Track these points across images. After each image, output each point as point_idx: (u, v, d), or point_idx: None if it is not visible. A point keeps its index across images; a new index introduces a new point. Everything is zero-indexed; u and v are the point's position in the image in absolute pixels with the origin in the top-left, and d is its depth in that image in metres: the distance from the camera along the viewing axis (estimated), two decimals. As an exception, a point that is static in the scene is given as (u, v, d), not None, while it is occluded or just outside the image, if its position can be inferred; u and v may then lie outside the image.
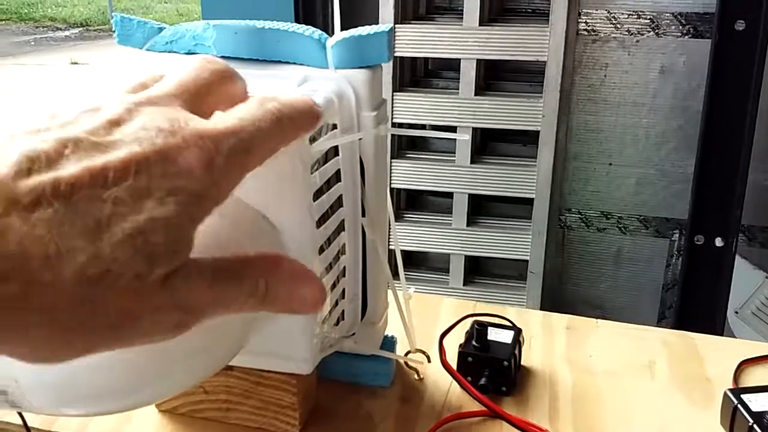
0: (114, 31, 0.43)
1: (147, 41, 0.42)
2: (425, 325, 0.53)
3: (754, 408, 0.42)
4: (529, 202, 1.38)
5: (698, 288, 1.29)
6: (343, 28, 0.41)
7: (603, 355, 0.53)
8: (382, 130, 0.42)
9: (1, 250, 0.20)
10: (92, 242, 0.21)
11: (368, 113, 0.40)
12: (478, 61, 1.33)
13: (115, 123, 0.23)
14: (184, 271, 0.23)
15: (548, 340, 0.55)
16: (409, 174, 1.41)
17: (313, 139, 0.36)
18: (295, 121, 0.28)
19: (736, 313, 1.37)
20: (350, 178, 0.41)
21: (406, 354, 0.49)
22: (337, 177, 0.40)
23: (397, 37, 1.32)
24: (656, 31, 1.32)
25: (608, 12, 1.33)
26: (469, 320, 0.52)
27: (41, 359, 0.22)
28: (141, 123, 0.23)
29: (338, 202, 0.40)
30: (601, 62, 1.35)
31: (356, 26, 0.40)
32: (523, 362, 0.51)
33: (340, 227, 0.41)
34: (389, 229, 0.47)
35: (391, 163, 1.39)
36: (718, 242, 1.26)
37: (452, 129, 1.37)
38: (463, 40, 1.31)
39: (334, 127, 0.39)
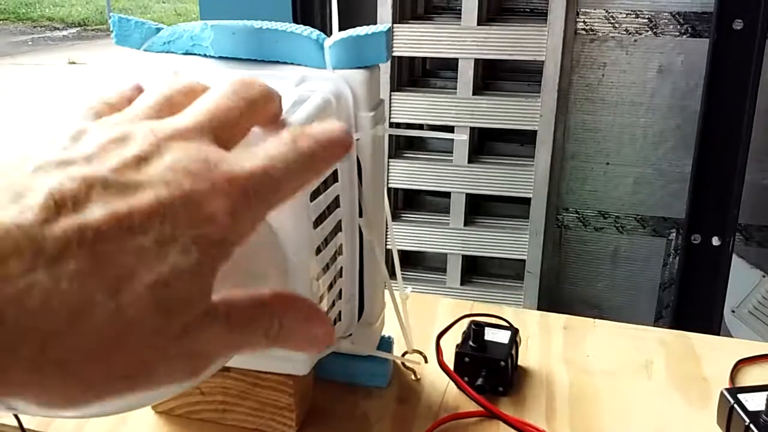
0: (111, 32, 0.43)
1: (144, 41, 0.42)
2: (422, 326, 0.54)
3: (751, 407, 0.43)
4: (527, 201, 1.38)
5: (695, 287, 1.30)
6: (341, 28, 0.41)
7: (600, 355, 0.53)
8: (379, 130, 0.42)
9: (25, 310, 0.19)
10: (113, 296, 0.20)
11: (366, 113, 0.40)
12: (476, 60, 1.33)
13: (144, 160, 0.22)
14: (202, 319, 0.23)
15: (545, 340, 0.55)
16: (406, 173, 1.41)
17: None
18: (328, 155, 0.27)
19: (733, 312, 1.37)
20: (347, 179, 0.41)
21: (403, 354, 0.49)
22: (334, 177, 0.40)
23: (395, 37, 1.32)
24: (654, 30, 1.32)
25: (606, 11, 1.33)
26: (466, 320, 0.52)
27: (53, 407, 0.21)
28: (170, 162, 0.23)
29: (335, 203, 0.40)
30: (599, 62, 1.36)
31: (354, 26, 0.40)
32: (520, 362, 0.51)
33: (337, 228, 0.41)
34: (386, 229, 0.47)
35: (388, 162, 1.39)
36: (715, 241, 1.27)
37: (450, 129, 1.37)
38: (461, 39, 1.31)
39: (331, 127, 0.39)
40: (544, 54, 1.29)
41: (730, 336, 1.33)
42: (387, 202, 0.46)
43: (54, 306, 0.19)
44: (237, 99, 0.26)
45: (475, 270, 1.52)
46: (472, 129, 1.38)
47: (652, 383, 0.50)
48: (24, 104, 5.14)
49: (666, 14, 1.31)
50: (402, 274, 0.49)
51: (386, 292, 0.47)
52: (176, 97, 0.26)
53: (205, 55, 0.41)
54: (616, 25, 1.33)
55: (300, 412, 0.44)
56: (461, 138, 1.34)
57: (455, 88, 1.35)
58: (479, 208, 1.50)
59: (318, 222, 0.38)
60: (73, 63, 6.96)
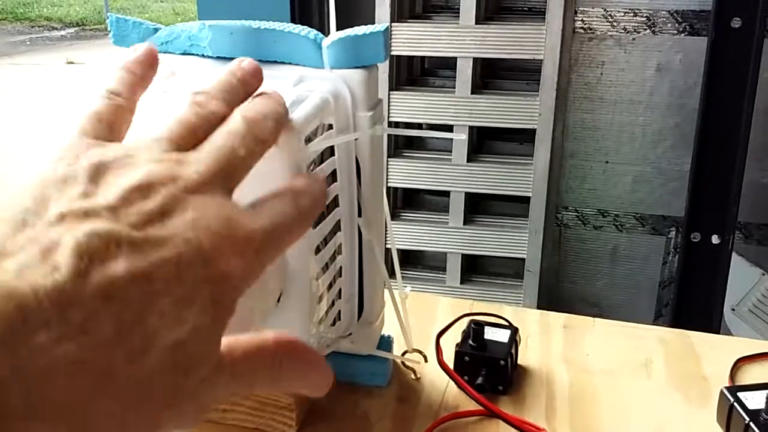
0: (109, 32, 0.43)
1: (142, 41, 0.42)
2: (422, 325, 0.54)
3: (750, 406, 0.43)
4: (526, 200, 1.38)
5: (695, 285, 1.30)
6: (339, 28, 0.41)
7: (600, 353, 0.53)
8: (378, 130, 0.42)
9: (51, 382, 0.19)
10: (135, 362, 0.20)
11: (364, 113, 0.40)
12: (475, 59, 1.33)
13: (166, 214, 0.22)
14: (212, 373, 0.23)
15: (545, 338, 0.55)
16: (405, 173, 1.41)
17: (308, 140, 0.36)
18: (319, 209, 0.29)
19: (733, 310, 1.37)
20: (346, 178, 0.41)
21: (403, 354, 0.49)
22: (333, 177, 0.40)
23: (393, 36, 1.32)
24: (652, 28, 1.32)
25: (604, 10, 1.33)
26: (466, 319, 0.52)
27: None
28: (191, 219, 0.23)
29: (334, 202, 0.40)
30: (597, 60, 1.36)
31: (352, 26, 0.40)
32: (519, 361, 0.51)
33: (337, 227, 0.41)
34: (386, 228, 0.47)
35: (387, 161, 1.39)
36: (715, 239, 1.27)
37: (449, 128, 1.37)
38: (460, 38, 1.31)
39: (330, 127, 0.39)
40: (542, 53, 1.29)
41: (730, 334, 1.33)
42: (386, 201, 0.46)
43: (78, 376, 0.19)
44: (252, 141, 0.27)
45: (475, 269, 1.52)
46: (470, 128, 1.38)
47: (652, 382, 0.50)
48: (22, 104, 5.13)
49: (664, 13, 1.31)
50: (402, 273, 0.49)
51: (386, 291, 0.47)
52: (195, 123, 0.26)
53: (202, 55, 0.41)
54: (615, 23, 1.33)
55: (300, 412, 0.44)
56: (460, 137, 1.34)
57: (454, 87, 1.35)
58: (478, 206, 1.50)
59: (317, 222, 0.38)
60: (72, 63, 6.96)
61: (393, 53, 1.34)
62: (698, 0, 1.28)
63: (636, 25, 1.32)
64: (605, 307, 1.47)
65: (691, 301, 1.31)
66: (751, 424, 0.41)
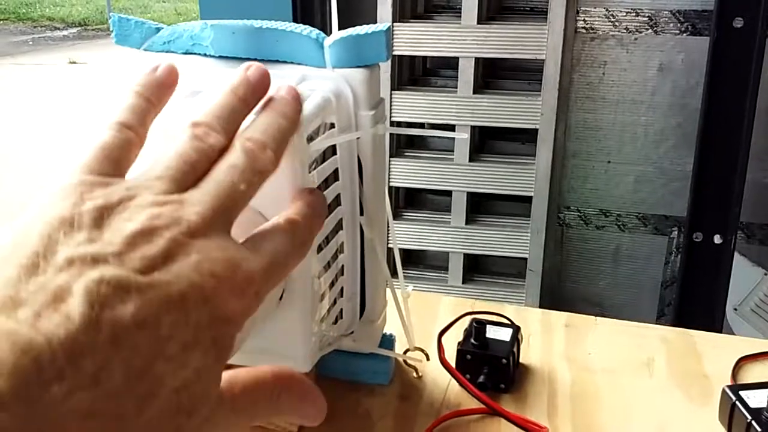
0: (111, 31, 0.43)
1: (144, 41, 0.42)
2: (424, 324, 0.54)
3: (753, 404, 0.43)
4: (528, 200, 1.38)
5: (697, 285, 1.30)
6: (341, 28, 0.41)
7: (602, 352, 0.53)
8: (380, 129, 0.42)
9: None
10: (142, 408, 0.21)
11: (366, 112, 0.40)
12: (477, 59, 1.33)
13: (169, 258, 0.23)
14: (214, 410, 0.23)
15: (547, 337, 0.55)
16: (407, 172, 1.41)
17: (310, 139, 0.36)
18: (313, 239, 0.30)
19: (735, 310, 1.37)
20: (348, 177, 0.41)
21: (405, 352, 0.49)
22: (335, 176, 0.40)
23: (395, 36, 1.32)
24: (654, 28, 1.32)
25: (606, 10, 1.33)
26: (468, 318, 0.52)
27: None
28: (195, 262, 0.23)
29: (336, 201, 0.40)
30: (599, 60, 1.35)
31: (354, 25, 0.40)
32: (521, 360, 0.51)
33: (338, 226, 0.41)
34: (388, 227, 0.47)
35: (389, 161, 1.40)
36: (717, 239, 1.26)
37: (451, 127, 1.37)
38: (462, 38, 1.31)
39: (332, 126, 0.39)
40: (544, 52, 1.29)
41: (732, 334, 1.32)
42: (388, 200, 0.46)
43: (89, 426, 0.20)
44: (251, 174, 0.27)
45: (477, 268, 1.52)
46: (472, 128, 1.38)
47: (654, 381, 0.50)
48: (25, 104, 5.14)
49: (666, 12, 1.30)
50: (404, 272, 0.49)
51: (388, 290, 0.47)
52: (194, 159, 0.26)
53: (205, 55, 0.41)
54: (617, 23, 1.33)
55: (302, 411, 0.44)
56: (462, 137, 1.34)
57: (456, 87, 1.35)
58: (480, 206, 1.50)
59: (319, 220, 0.38)
60: (74, 63, 6.97)
61: (395, 53, 1.34)
62: (700, 0, 1.28)
63: (638, 25, 1.32)
64: (607, 307, 1.47)
65: (694, 301, 1.31)
66: (753, 422, 0.41)
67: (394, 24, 1.32)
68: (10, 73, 6.48)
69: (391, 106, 1.36)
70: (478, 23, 1.30)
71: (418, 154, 1.44)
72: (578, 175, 1.42)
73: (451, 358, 0.49)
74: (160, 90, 0.30)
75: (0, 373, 0.18)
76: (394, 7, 1.31)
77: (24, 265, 0.21)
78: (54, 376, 0.19)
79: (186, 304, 0.22)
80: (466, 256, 1.44)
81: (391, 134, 1.36)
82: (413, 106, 1.37)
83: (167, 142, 0.27)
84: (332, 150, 0.39)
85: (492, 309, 0.56)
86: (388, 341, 0.49)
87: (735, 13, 1.18)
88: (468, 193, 1.40)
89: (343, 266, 0.42)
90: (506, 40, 1.30)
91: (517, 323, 0.52)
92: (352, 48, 0.39)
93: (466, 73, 1.33)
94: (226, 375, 0.25)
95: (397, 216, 1.45)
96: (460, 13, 1.31)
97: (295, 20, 1.29)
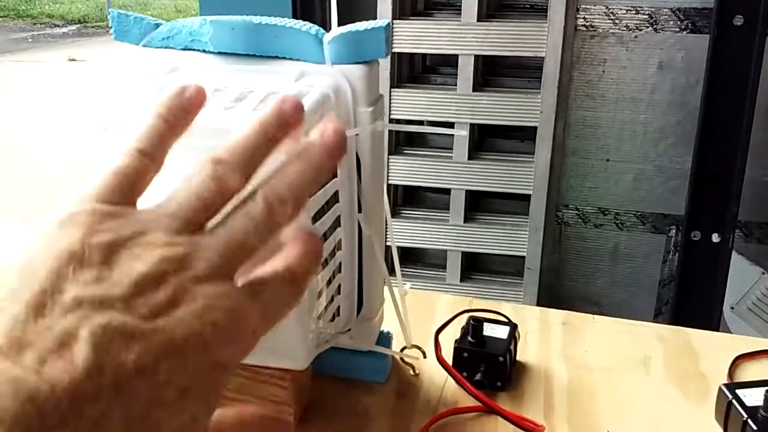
0: (110, 27, 0.43)
1: (143, 37, 0.42)
2: (421, 321, 0.54)
3: (749, 403, 0.43)
4: (527, 198, 1.38)
5: (695, 284, 1.30)
6: (341, 24, 0.41)
7: (598, 350, 0.53)
8: (378, 125, 0.42)
9: None
10: None
11: (365, 109, 0.40)
12: (476, 56, 1.32)
13: (174, 304, 0.23)
14: None
15: (544, 335, 0.55)
16: (406, 170, 1.41)
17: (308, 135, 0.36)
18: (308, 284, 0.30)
19: (732, 308, 1.37)
20: (346, 174, 0.41)
21: (402, 350, 0.49)
22: (333, 172, 0.40)
23: (395, 33, 1.32)
24: (654, 26, 1.32)
25: (606, 7, 1.33)
26: (465, 316, 0.52)
27: None
28: (198, 310, 0.23)
29: (334, 198, 0.40)
30: (599, 58, 1.35)
31: (355, 22, 0.40)
32: (518, 358, 0.51)
33: (336, 223, 0.41)
34: (386, 224, 0.47)
35: (388, 159, 1.39)
36: (715, 238, 1.27)
37: (450, 125, 1.37)
38: (461, 35, 1.31)
39: (330, 122, 0.39)
40: (544, 50, 1.29)
41: (730, 333, 1.33)
42: (386, 197, 0.46)
43: None
44: (266, 229, 0.26)
45: (475, 267, 1.52)
46: (472, 125, 1.38)
47: (651, 379, 0.50)
48: (24, 101, 5.13)
49: (666, 10, 1.30)
50: (402, 270, 0.49)
51: (385, 287, 0.47)
52: (209, 199, 0.26)
53: (204, 51, 0.41)
54: (617, 21, 1.33)
55: (298, 407, 0.44)
56: (461, 134, 1.33)
57: (455, 85, 1.35)
58: (479, 204, 1.50)
59: (317, 217, 0.38)
60: (73, 60, 6.95)
61: (394, 50, 1.34)
62: (700, -2, 1.28)
63: (638, 22, 1.32)
64: (605, 306, 1.47)
65: (691, 300, 1.31)
66: (749, 420, 0.41)
67: (394, 21, 1.32)
68: (9, 70, 6.47)
69: (390, 103, 1.36)
70: (478, 21, 1.30)
71: (417, 152, 1.44)
72: (577, 173, 1.42)
73: (448, 355, 0.49)
74: (185, 114, 0.29)
75: (2, 420, 0.19)
76: (394, 5, 1.31)
77: (31, 304, 0.21)
78: (56, 424, 0.19)
79: (185, 352, 0.22)
80: (465, 254, 1.44)
81: (390, 132, 1.36)
82: (413, 104, 1.37)
83: (185, 176, 0.26)
84: (330, 147, 0.39)
85: (489, 307, 0.56)
86: (385, 339, 0.49)
87: (735, 11, 1.18)
88: (466, 191, 1.40)
89: (340, 263, 0.42)
90: (506, 38, 1.30)
91: (514, 321, 0.52)
92: (351, 44, 0.39)
93: (466, 70, 1.32)
94: (216, 414, 0.25)
95: (395, 214, 1.45)
96: (460, 10, 1.31)
97: (295, 17, 1.29)
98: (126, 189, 0.26)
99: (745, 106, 1.20)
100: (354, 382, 0.48)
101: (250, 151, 0.27)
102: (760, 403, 0.42)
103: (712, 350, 0.53)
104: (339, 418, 0.45)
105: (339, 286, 0.43)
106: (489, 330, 0.49)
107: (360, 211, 0.42)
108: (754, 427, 0.41)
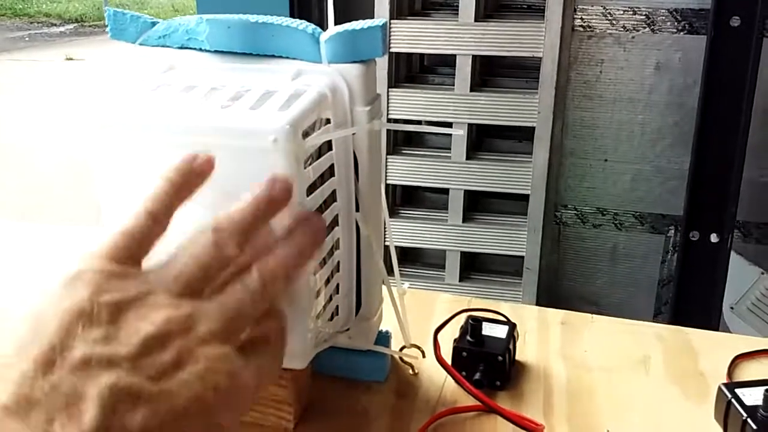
0: (107, 26, 0.43)
1: (140, 36, 0.42)
2: (420, 321, 0.53)
3: (748, 402, 0.43)
4: (525, 198, 1.38)
5: (694, 284, 1.30)
6: (337, 23, 0.41)
7: (597, 350, 0.53)
8: (375, 125, 0.42)
9: None
10: None
11: (362, 108, 0.40)
12: (474, 57, 1.32)
13: (178, 366, 0.24)
14: None
15: (543, 335, 0.55)
16: (404, 170, 1.41)
17: (306, 134, 0.36)
18: None
19: (732, 308, 1.37)
20: (344, 173, 0.41)
21: (401, 349, 0.49)
22: (330, 172, 0.40)
23: (392, 33, 1.32)
24: (652, 27, 1.32)
25: (604, 8, 1.33)
26: (464, 315, 0.52)
27: None
28: (200, 373, 0.25)
29: (332, 197, 0.40)
30: (596, 58, 1.35)
31: (351, 21, 0.40)
32: (517, 357, 0.51)
33: (334, 222, 0.41)
34: (384, 224, 0.47)
35: (386, 158, 1.39)
36: (714, 238, 1.27)
37: (448, 125, 1.37)
38: (459, 35, 1.31)
39: (328, 121, 0.39)
40: (541, 50, 1.29)
41: (729, 333, 1.33)
42: (384, 197, 0.46)
43: None
44: (261, 301, 0.29)
45: (474, 266, 1.52)
46: (470, 125, 1.38)
47: (650, 378, 0.50)
48: (21, 100, 5.13)
49: (663, 11, 1.30)
50: (401, 270, 0.49)
51: (384, 287, 0.47)
52: (210, 266, 0.28)
53: (200, 49, 0.41)
54: (614, 21, 1.33)
55: (298, 407, 0.43)
56: (458, 133, 1.33)
57: (453, 85, 1.35)
58: (477, 204, 1.50)
59: (315, 216, 0.38)
60: (71, 59, 6.94)
61: (392, 50, 1.34)
62: (697, -2, 1.28)
63: (635, 23, 1.32)
64: (604, 306, 1.47)
65: (690, 300, 1.31)
66: (749, 420, 0.41)
67: (392, 21, 1.31)
68: (6, 69, 6.46)
69: (388, 103, 1.36)
70: (476, 21, 1.30)
71: (416, 152, 1.44)
72: (575, 173, 1.42)
73: (447, 355, 0.49)
74: (194, 180, 0.31)
75: None
76: (391, 4, 1.31)
77: (39, 360, 0.22)
78: None
79: (188, 415, 0.23)
80: (463, 254, 1.44)
81: (388, 131, 1.36)
82: (410, 104, 1.36)
83: (187, 241, 0.28)
84: (328, 146, 0.39)
85: (488, 306, 0.55)
86: (384, 338, 0.48)
87: (732, 12, 1.18)
88: (465, 191, 1.40)
89: (339, 263, 0.42)
90: (504, 38, 1.30)
91: (513, 321, 0.51)
92: (348, 43, 0.39)
93: (464, 70, 1.32)
94: None
95: (394, 213, 1.45)
96: (458, 10, 1.30)
97: (293, 15, 1.29)
98: (133, 249, 0.27)
99: (742, 107, 1.20)
100: (353, 382, 0.48)
101: (246, 223, 0.30)
102: (760, 402, 0.42)
103: (712, 350, 0.53)
104: (338, 417, 0.45)
105: (337, 286, 0.43)
106: (488, 329, 0.49)
107: (358, 210, 0.42)
108: (754, 427, 0.41)
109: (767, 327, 1.33)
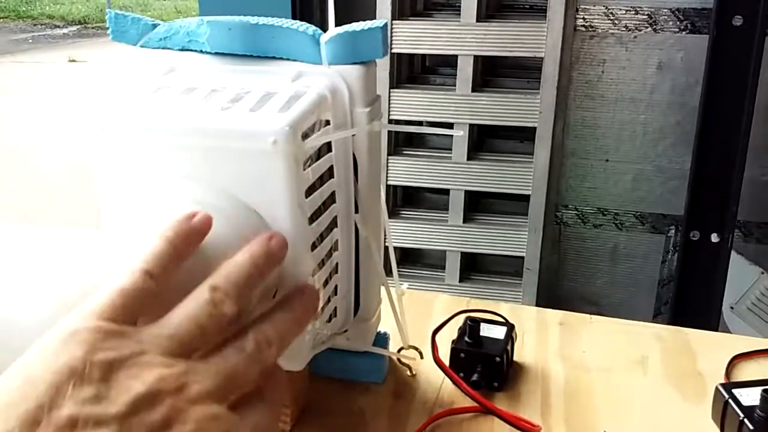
0: (108, 28, 0.43)
1: (141, 38, 0.43)
2: (418, 322, 0.54)
3: (745, 402, 0.43)
4: (526, 198, 1.38)
5: (694, 284, 1.30)
6: (339, 25, 0.41)
7: (596, 350, 0.53)
8: (375, 126, 0.42)
9: None
10: None
11: (361, 109, 0.40)
12: (476, 57, 1.32)
13: (167, 426, 0.24)
14: None
15: (541, 336, 0.55)
16: (405, 170, 1.41)
17: (306, 136, 0.36)
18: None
19: (732, 308, 1.37)
20: (343, 175, 0.41)
21: (399, 350, 0.49)
22: (330, 173, 0.40)
23: (394, 34, 1.32)
24: (654, 26, 1.31)
25: (606, 8, 1.32)
26: (462, 316, 0.52)
27: None
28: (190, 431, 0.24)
29: (331, 198, 0.40)
30: (598, 58, 1.35)
31: (353, 22, 0.40)
32: (515, 358, 0.51)
33: (333, 223, 0.41)
34: (383, 225, 0.47)
35: (387, 159, 1.39)
36: (714, 238, 1.26)
37: (449, 125, 1.37)
38: (461, 36, 1.31)
39: (327, 123, 0.39)
40: (543, 51, 1.29)
41: (729, 332, 1.33)
42: (383, 198, 0.46)
43: None
44: (255, 365, 0.28)
45: (474, 267, 1.52)
46: (471, 126, 1.38)
47: (648, 379, 0.50)
48: (25, 102, 5.13)
49: (665, 10, 1.30)
50: (401, 271, 0.49)
51: (383, 288, 0.47)
52: (206, 325, 0.28)
53: (201, 51, 0.41)
54: (616, 21, 1.33)
55: (295, 408, 0.44)
56: (458, 134, 1.33)
57: (454, 85, 1.35)
58: (478, 205, 1.50)
59: (314, 218, 0.38)
60: (74, 61, 6.96)
61: (394, 51, 1.34)
62: (699, -2, 1.28)
63: (637, 23, 1.32)
64: (604, 306, 1.47)
65: (691, 300, 1.31)
66: (746, 420, 0.41)
67: (394, 22, 1.32)
68: (9, 71, 6.47)
69: (389, 104, 1.36)
70: (477, 21, 1.30)
71: (416, 153, 1.44)
72: (576, 173, 1.42)
73: (445, 356, 0.49)
74: (191, 239, 0.31)
75: None
76: (393, 5, 1.31)
77: (25, 420, 0.22)
78: None
79: None
80: (464, 255, 1.44)
81: (389, 132, 1.36)
82: (412, 104, 1.37)
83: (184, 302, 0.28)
84: (327, 147, 0.39)
85: (486, 307, 0.56)
86: (382, 339, 0.49)
87: (734, 11, 1.18)
88: (466, 191, 1.40)
89: (337, 264, 0.42)
90: (505, 38, 1.30)
91: (511, 321, 0.52)
92: (348, 44, 0.39)
93: (465, 71, 1.32)
94: None
95: (394, 214, 1.45)
96: (460, 11, 1.30)
97: (295, 17, 1.29)
98: (129, 308, 0.27)
99: (744, 106, 1.20)
100: (351, 383, 0.48)
101: (242, 280, 0.30)
102: (757, 402, 0.42)
103: (710, 350, 0.53)
104: (336, 418, 0.45)
105: (336, 287, 0.43)
106: (486, 330, 0.49)
107: (357, 211, 0.42)
108: (751, 427, 0.41)
109: (767, 327, 1.33)
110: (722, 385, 0.45)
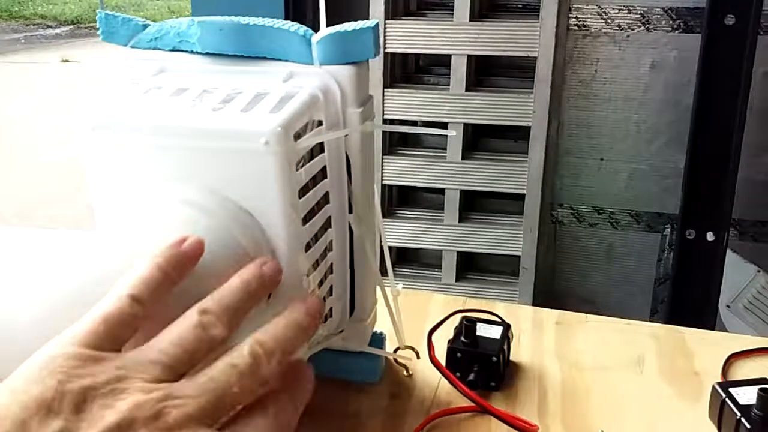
0: (98, 28, 0.43)
1: (131, 38, 0.42)
2: (414, 322, 0.53)
3: (742, 401, 0.43)
4: (521, 197, 1.38)
5: (690, 282, 1.30)
6: (331, 25, 0.41)
7: (592, 350, 0.53)
8: (368, 126, 0.41)
9: None
10: None
11: (354, 109, 0.40)
12: (469, 56, 1.32)
13: None
14: None
15: (537, 335, 0.55)
16: (400, 170, 1.41)
17: (298, 136, 0.36)
18: None
19: (728, 307, 1.38)
20: (336, 175, 0.41)
21: (395, 350, 0.49)
22: (323, 174, 0.40)
23: (387, 33, 1.32)
24: (647, 26, 1.32)
25: (599, 7, 1.33)
26: (458, 316, 0.52)
27: None
28: None
29: (324, 199, 0.40)
30: (591, 57, 1.35)
31: (344, 23, 0.40)
32: (512, 358, 0.51)
33: (327, 224, 0.41)
34: (377, 225, 0.47)
35: (382, 159, 1.39)
36: (710, 236, 1.27)
37: (443, 125, 1.37)
38: (454, 35, 1.31)
39: (320, 123, 0.39)
40: (536, 50, 1.29)
41: (725, 331, 1.33)
42: (377, 198, 0.46)
43: None
44: (250, 381, 0.27)
45: (470, 266, 1.52)
46: (465, 125, 1.38)
47: (644, 378, 0.50)
48: (17, 102, 5.11)
49: (658, 10, 1.31)
50: (397, 270, 0.49)
51: (378, 288, 0.47)
52: (194, 347, 0.26)
53: (192, 52, 0.41)
54: (609, 20, 1.33)
55: (291, 410, 0.43)
56: (451, 134, 1.33)
57: (448, 85, 1.35)
58: (473, 204, 1.50)
59: (307, 218, 0.38)
60: (67, 61, 6.93)
61: (387, 51, 1.34)
62: (692, -3, 1.28)
63: (630, 22, 1.32)
64: (601, 305, 1.47)
65: (687, 298, 1.31)
66: (743, 419, 0.41)
67: (387, 21, 1.31)
68: (2, 71, 6.45)
69: (383, 103, 1.36)
70: (471, 21, 1.30)
71: (411, 152, 1.44)
72: (571, 172, 1.42)
73: (442, 356, 0.48)
74: (182, 265, 0.29)
75: None
76: (386, 5, 1.31)
77: None
78: None
79: None
80: (460, 254, 1.44)
81: (384, 132, 1.36)
82: (406, 104, 1.36)
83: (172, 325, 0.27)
84: (320, 147, 0.39)
85: (483, 307, 0.55)
86: (378, 339, 0.48)
87: (727, 10, 1.18)
88: (461, 190, 1.40)
89: (332, 264, 0.42)
90: (498, 38, 1.30)
91: (507, 321, 0.51)
92: (340, 44, 0.39)
93: (459, 70, 1.32)
94: None
95: (390, 214, 1.45)
96: (453, 10, 1.30)
97: (287, 17, 1.29)
98: (112, 334, 0.26)
99: (737, 105, 1.21)
100: (346, 383, 0.48)
101: (234, 304, 0.28)
102: (753, 401, 0.42)
103: (706, 349, 0.53)
104: (331, 419, 0.45)
105: (331, 288, 0.43)
106: (482, 330, 0.49)
107: (351, 212, 0.42)
108: (748, 426, 0.41)
109: (764, 325, 1.33)
110: (719, 384, 0.45)
